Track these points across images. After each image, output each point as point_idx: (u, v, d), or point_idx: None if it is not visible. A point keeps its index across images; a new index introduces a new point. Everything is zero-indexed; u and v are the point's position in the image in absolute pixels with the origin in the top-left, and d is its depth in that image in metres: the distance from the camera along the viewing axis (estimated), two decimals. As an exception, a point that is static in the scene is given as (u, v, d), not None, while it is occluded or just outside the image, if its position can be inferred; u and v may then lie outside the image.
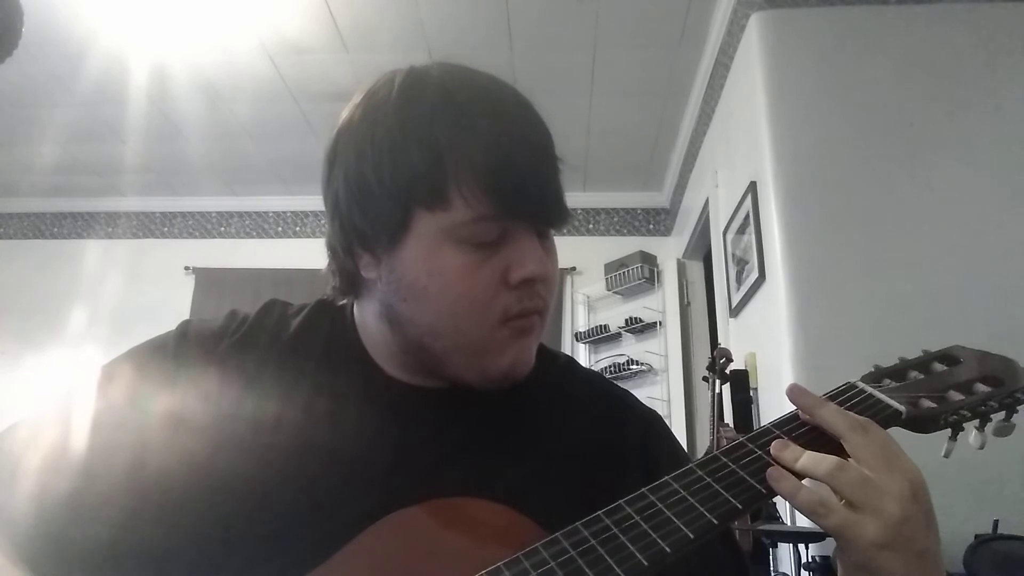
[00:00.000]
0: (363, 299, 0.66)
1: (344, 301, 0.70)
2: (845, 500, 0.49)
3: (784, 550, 2.09)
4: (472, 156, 0.54)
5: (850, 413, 0.54)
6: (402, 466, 0.59)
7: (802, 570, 1.89)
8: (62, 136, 3.84)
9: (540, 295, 0.59)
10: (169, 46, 3.09)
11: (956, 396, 0.61)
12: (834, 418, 0.53)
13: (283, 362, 0.64)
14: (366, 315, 0.66)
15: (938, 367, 0.65)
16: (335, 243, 0.63)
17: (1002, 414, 0.61)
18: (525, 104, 0.61)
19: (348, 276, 0.65)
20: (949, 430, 0.61)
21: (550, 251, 0.61)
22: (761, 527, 1.92)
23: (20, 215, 4.69)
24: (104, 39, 3.01)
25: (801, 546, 1.93)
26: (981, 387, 0.61)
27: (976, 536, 1.73)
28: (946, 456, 0.61)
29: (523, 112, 0.60)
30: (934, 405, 0.59)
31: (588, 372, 0.74)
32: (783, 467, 0.51)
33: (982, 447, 0.61)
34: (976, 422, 0.61)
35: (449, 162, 0.54)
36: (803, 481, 0.51)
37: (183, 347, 0.65)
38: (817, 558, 1.87)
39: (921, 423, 0.58)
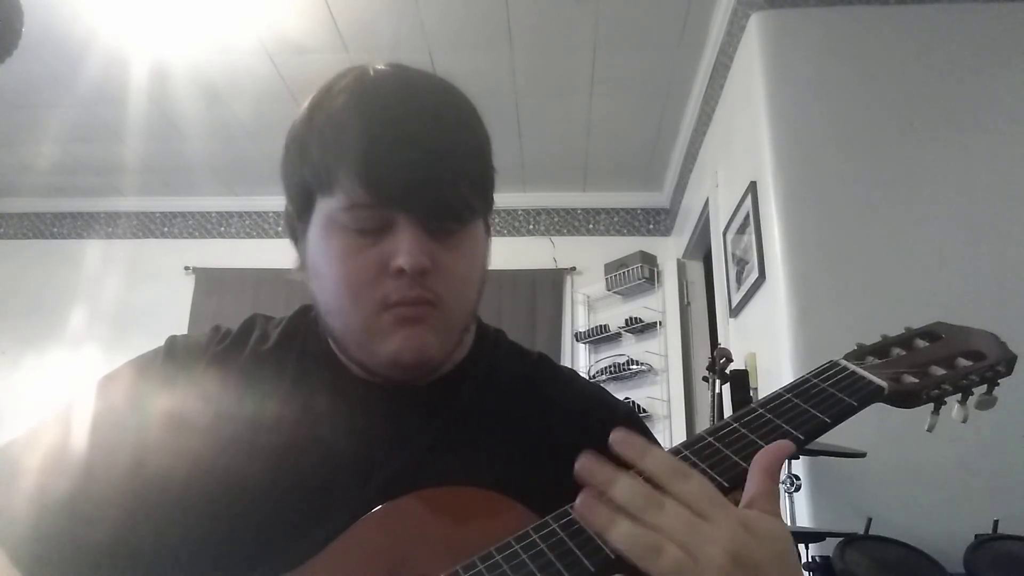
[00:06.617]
0: None
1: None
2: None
3: (784, 550, 2.08)
4: (350, 148, 0.59)
5: (675, 460, 0.48)
6: (383, 464, 0.61)
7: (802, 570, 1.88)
8: (62, 136, 3.84)
9: (428, 287, 0.59)
10: (169, 46, 3.09)
11: (938, 371, 0.61)
12: (658, 465, 0.46)
13: (263, 370, 0.67)
14: None
15: (920, 343, 0.66)
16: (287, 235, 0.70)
17: (984, 388, 0.62)
18: (438, 105, 0.62)
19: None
20: (931, 405, 0.61)
21: (453, 246, 0.61)
22: (761, 527, 1.91)
23: (20, 215, 4.68)
24: (104, 39, 3.01)
25: (801, 546, 1.92)
26: (963, 362, 0.62)
27: (976, 536, 1.73)
28: (929, 430, 0.62)
29: (425, 113, 0.61)
30: (916, 380, 0.60)
31: (562, 368, 0.76)
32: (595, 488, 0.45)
33: (964, 420, 0.62)
34: (958, 396, 0.62)
35: (332, 153, 0.60)
36: None
37: (172, 357, 0.68)
38: (817, 558, 1.87)
39: (903, 398, 0.59)
